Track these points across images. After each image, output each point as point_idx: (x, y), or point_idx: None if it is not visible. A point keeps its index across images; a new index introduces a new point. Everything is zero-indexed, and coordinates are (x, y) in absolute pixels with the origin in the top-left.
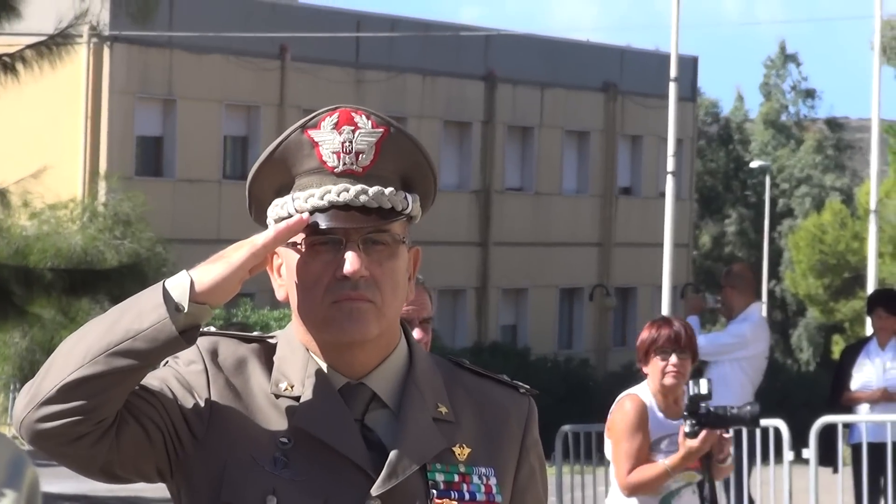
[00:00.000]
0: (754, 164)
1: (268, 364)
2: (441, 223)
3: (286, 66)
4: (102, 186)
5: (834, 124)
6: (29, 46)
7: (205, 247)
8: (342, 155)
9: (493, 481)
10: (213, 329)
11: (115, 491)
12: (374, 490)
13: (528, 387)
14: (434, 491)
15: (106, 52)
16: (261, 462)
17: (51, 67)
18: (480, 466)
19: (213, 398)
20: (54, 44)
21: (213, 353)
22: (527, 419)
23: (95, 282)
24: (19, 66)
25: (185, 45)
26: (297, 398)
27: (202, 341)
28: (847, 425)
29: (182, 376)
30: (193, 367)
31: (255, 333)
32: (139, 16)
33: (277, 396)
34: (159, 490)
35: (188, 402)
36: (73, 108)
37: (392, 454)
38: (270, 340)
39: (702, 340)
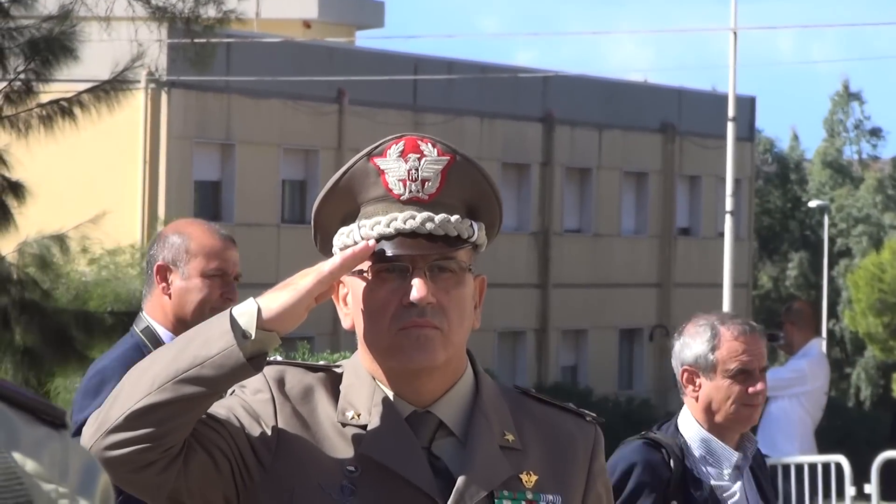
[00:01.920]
0: (812, 204)
1: (334, 393)
2: (500, 265)
3: (343, 109)
4: None
5: None
6: (86, 91)
7: (264, 291)
8: (408, 182)
9: None
10: (279, 358)
11: None
12: None
13: (594, 414)
14: None
15: (164, 97)
16: (328, 490)
17: (108, 111)
18: (548, 493)
19: (280, 426)
20: (111, 87)
21: (280, 382)
22: (594, 446)
23: None
24: (77, 110)
25: (242, 90)
26: (364, 426)
27: (269, 370)
28: None
29: (249, 405)
30: (260, 395)
31: (321, 363)
32: (197, 61)
33: (344, 425)
34: None
35: (255, 431)
36: (131, 153)
37: (460, 481)
38: (337, 370)
39: None
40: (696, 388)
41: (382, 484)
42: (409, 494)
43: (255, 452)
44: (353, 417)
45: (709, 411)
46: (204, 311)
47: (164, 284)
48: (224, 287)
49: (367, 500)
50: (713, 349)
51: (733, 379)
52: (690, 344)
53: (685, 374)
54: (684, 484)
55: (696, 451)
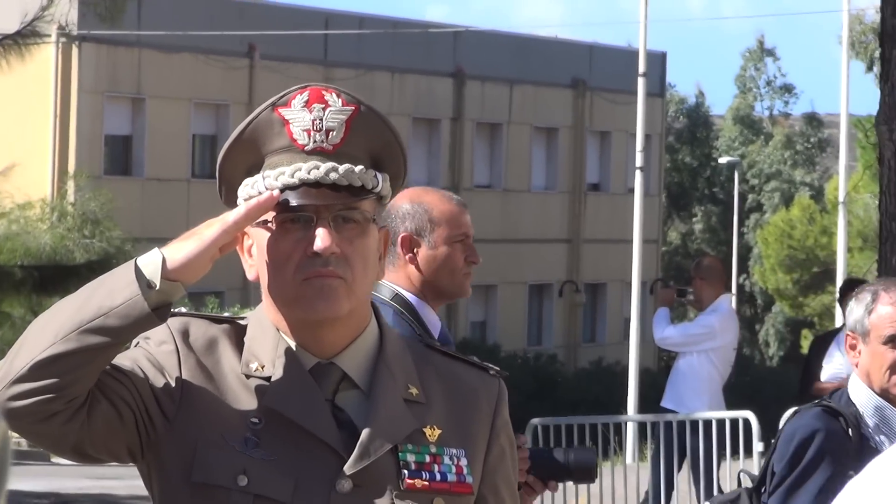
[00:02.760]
0: (723, 160)
1: (239, 345)
2: None
3: (254, 63)
4: (71, 186)
5: (813, 119)
6: None
7: None
8: (312, 133)
9: (463, 462)
10: (184, 310)
11: (84, 489)
12: (347, 469)
13: (497, 368)
14: (405, 471)
15: (74, 51)
16: (232, 442)
17: (18, 64)
18: (451, 447)
19: (184, 378)
20: (20, 38)
21: (185, 334)
22: (497, 400)
23: (65, 279)
24: None
25: (153, 44)
26: (268, 378)
27: (173, 322)
28: None
29: (153, 356)
30: (164, 347)
31: (226, 315)
32: (108, 15)
33: (248, 377)
34: (129, 488)
35: (159, 382)
36: (41, 107)
37: (364, 434)
38: (241, 322)
39: (671, 331)
40: (857, 355)
41: (286, 436)
42: (312, 446)
43: (158, 403)
44: (256, 369)
45: (867, 379)
46: (455, 277)
47: (410, 255)
48: (467, 250)
49: (270, 453)
50: (869, 314)
51: (887, 345)
52: (854, 309)
53: (848, 340)
54: (862, 454)
55: (870, 419)
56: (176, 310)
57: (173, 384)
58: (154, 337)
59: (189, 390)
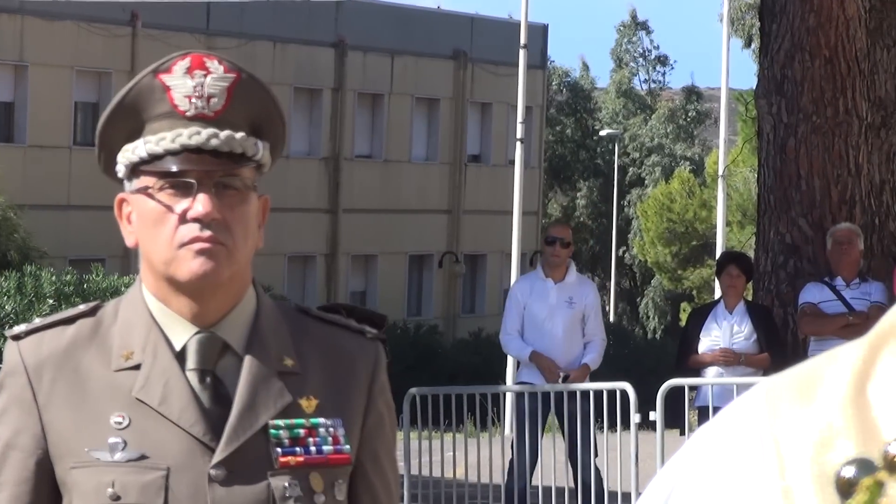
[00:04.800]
0: (604, 133)
1: (102, 338)
2: (290, 190)
3: (137, 32)
4: None
5: (692, 93)
6: None
7: (55, 212)
8: (194, 99)
9: (340, 431)
10: (32, 325)
11: None
12: (217, 456)
13: (375, 331)
14: (278, 449)
15: None
16: (97, 455)
17: None
18: (328, 418)
19: (41, 408)
20: None
21: (35, 355)
22: (374, 365)
23: None
24: None
25: (35, 11)
26: (138, 366)
27: (25, 345)
28: (694, 388)
29: (19, 406)
30: (18, 381)
31: (77, 309)
32: None
33: (118, 370)
34: None
35: (38, 442)
36: None
37: (232, 415)
38: (98, 308)
39: None
40: None
41: (155, 428)
42: (181, 436)
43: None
44: (127, 359)
45: None
46: None
47: None
48: None
49: (138, 451)
50: None
51: None
52: None
53: None
54: None
55: None
56: (20, 329)
57: (38, 426)
58: (7, 373)
59: (50, 421)
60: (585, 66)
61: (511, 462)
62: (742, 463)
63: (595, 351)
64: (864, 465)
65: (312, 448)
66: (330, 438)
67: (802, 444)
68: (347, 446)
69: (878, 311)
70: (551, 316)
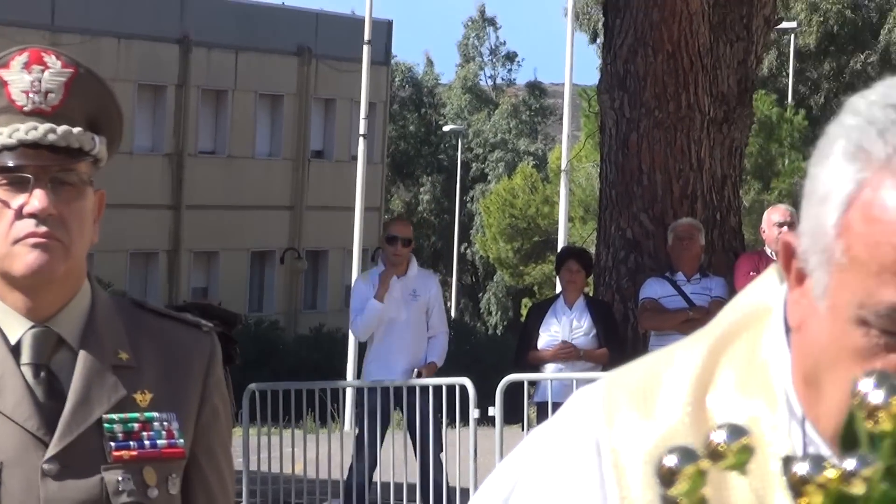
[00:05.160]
0: (447, 128)
1: None
2: (134, 186)
3: None
4: None
5: (536, 88)
6: None
7: None
8: (31, 94)
9: (175, 425)
10: None
11: None
12: (50, 450)
13: (211, 325)
14: (112, 443)
15: None
16: None
17: None
18: (162, 411)
19: None
20: None
21: None
22: (209, 358)
23: None
24: None
25: None
26: None
27: None
28: (533, 384)
29: None
30: None
31: None
32: None
33: None
34: None
35: None
36: None
37: (66, 410)
38: None
39: None
40: None
41: None
42: (11, 432)
43: None
44: None
45: None
46: None
47: None
48: None
49: None
50: None
51: None
52: None
53: None
54: None
55: None
56: None
57: None
58: None
59: None
60: (430, 62)
61: (353, 458)
62: (581, 473)
63: (441, 346)
64: (687, 455)
65: (146, 442)
66: (164, 432)
67: (641, 455)
68: (182, 440)
69: (718, 306)
70: (396, 309)
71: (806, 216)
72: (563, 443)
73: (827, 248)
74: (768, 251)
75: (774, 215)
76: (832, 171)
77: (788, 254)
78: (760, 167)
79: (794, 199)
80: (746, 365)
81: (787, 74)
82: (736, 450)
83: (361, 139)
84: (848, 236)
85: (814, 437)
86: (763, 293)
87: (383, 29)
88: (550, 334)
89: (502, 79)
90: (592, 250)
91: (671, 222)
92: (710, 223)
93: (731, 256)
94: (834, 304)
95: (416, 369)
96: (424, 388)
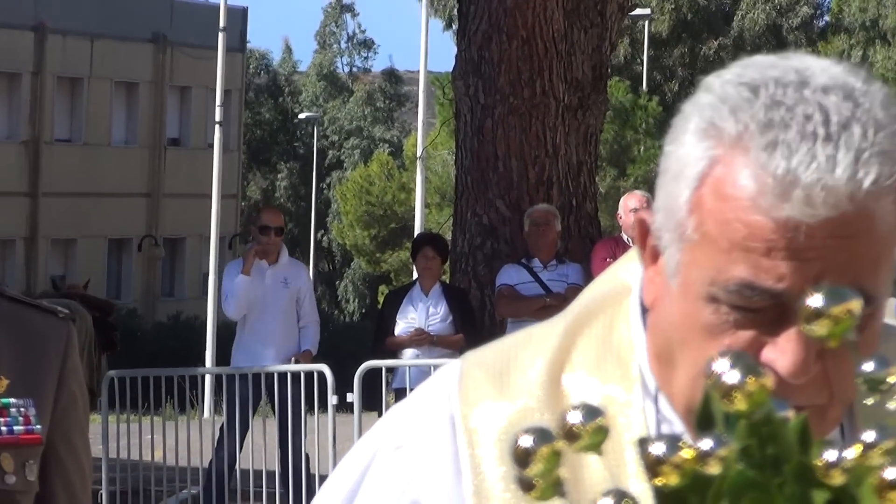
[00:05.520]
0: (303, 116)
1: None
2: None
3: None
4: None
5: (392, 76)
6: None
7: None
8: None
9: (31, 411)
10: None
11: None
12: None
13: (67, 311)
14: None
15: None
16: None
17: None
18: (18, 397)
19: None
20: None
21: None
22: (66, 345)
23: None
24: None
25: None
26: None
27: None
28: (391, 370)
29: None
30: None
31: None
32: None
33: None
34: None
35: None
36: None
37: None
38: None
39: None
40: None
41: None
42: None
43: None
44: None
45: None
46: None
47: None
48: None
49: None
50: None
51: None
52: None
53: None
54: None
55: None
56: None
57: None
58: None
59: None
60: (289, 49)
61: (215, 445)
62: (437, 448)
63: (314, 335)
64: (542, 435)
65: (3, 428)
66: (21, 418)
67: (495, 433)
68: (39, 426)
69: (574, 292)
70: (268, 297)
71: (660, 193)
72: (420, 419)
73: (679, 224)
74: (625, 237)
75: (630, 201)
76: (685, 148)
77: (643, 231)
78: (616, 154)
79: (649, 185)
80: (602, 345)
81: (642, 61)
82: (591, 430)
83: (217, 127)
84: (700, 213)
85: (668, 414)
86: (622, 274)
87: (238, 16)
88: (407, 321)
89: (358, 66)
90: (449, 237)
91: (527, 209)
92: (566, 209)
93: (588, 243)
94: (686, 281)
95: (293, 357)
96: (283, 376)
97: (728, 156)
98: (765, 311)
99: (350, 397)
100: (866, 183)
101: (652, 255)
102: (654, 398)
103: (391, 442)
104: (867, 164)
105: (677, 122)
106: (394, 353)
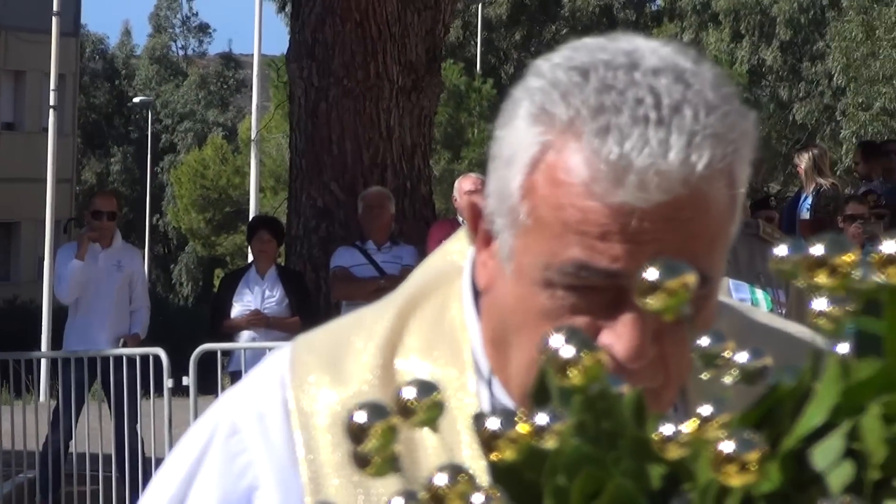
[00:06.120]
0: (137, 100)
1: None
2: None
3: None
4: None
5: (229, 60)
6: None
7: None
8: None
9: None
10: None
11: None
12: None
13: None
14: None
15: None
16: None
17: None
18: None
19: None
20: None
21: None
22: None
23: None
24: None
25: None
26: None
27: None
28: (227, 353)
29: None
30: None
31: None
32: None
33: None
34: None
35: None
36: None
37: None
38: None
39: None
40: None
41: None
42: None
43: None
44: None
45: None
46: None
47: None
48: None
49: None
50: None
51: None
52: None
53: None
54: None
55: None
56: None
57: None
58: None
59: None
60: (128, 32)
61: (49, 428)
62: (271, 434)
63: (144, 319)
64: (376, 411)
65: None
66: None
67: (329, 418)
68: None
69: (409, 274)
70: (101, 280)
71: (492, 178)
72: (253, 404)
73: (512, 210)
74: (460, 220)
75: (465, 184)
76: (517, 133)
77: (475, 215)
78: (450, 137)
79: (484, 168)
80: (435, 327)
81: (476, 44)
82: (426, 406)
83: (52, 111)
84: (532, 198)
85: (503, 399)
86: (452, 255)
87: (72, 0)
88: (243, 304)
89: (194, 50)
90: (284, 220)
91: (361, 191)
92: (400, 192)
93: (423, 225)
94: (520, 266)
95: (121, 339)
96: (119, 359)
97: (560, 141)
98: (601, 294)
99: (186, 381)
100: (699, 167)
101: (484, 240)
102: (489, 382)
103: (226, 428)
104: (699, 147)
105: (508, 107)
106: (230, 336)
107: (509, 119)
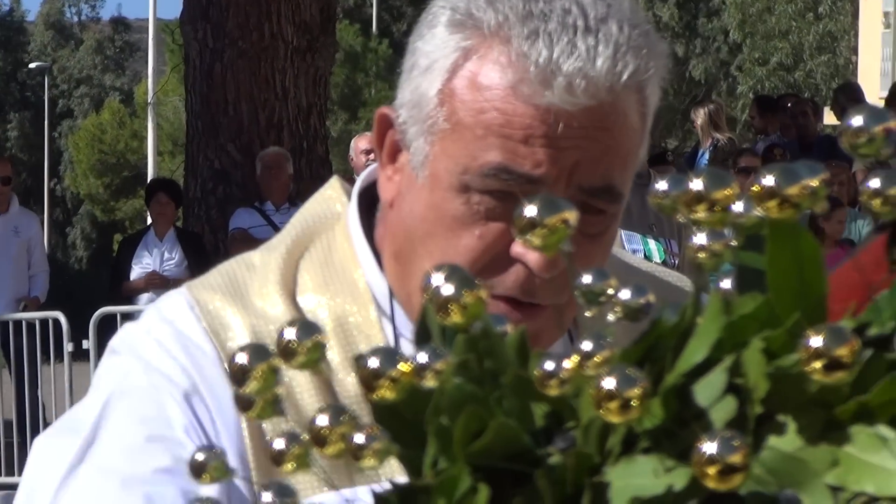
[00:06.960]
0: (33, 66)
1: None
2: None
3: None
4: None
5: (121, 24)
6: None
7: None
8: None
9: None
10: None
11: None
12: None
13: None
14: None
15: None
16: None
17: None
18: None
19: None
20: None
21: None
22: None
23: None
24: None
25: None
26: None
27: None
28: (127, 316)
29: None
30: None
31: None
32: None
33: None
34: None
35: None
36: None
37: None
38: None
39: None
40: None
41: None
42: None
43: None
44: None
45: None
46: None
47: None
48: None
49: None
50: None
51: None
52: None
53: None
54: None
55: None
56: None
57: None
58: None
59: None
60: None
61: None
62: (192, 348)
63: (43, 283)
64: (258, 352)
65: None
66: None
67: (246, 337)
68: None
69: None
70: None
71: (405, 90)
72: (167, 324)
73: (428, 116)
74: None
75: (362, 143)
76: (436, 42)
77: (384, 126)
78: (347, 97)
79: None
80: (326, 266)
81: (372, 4)
82: (307, 347)
83: None
84: (452, 103)
85: (405, 331)
86: (329, 202)
87: None
88: (142, 266)
89: (87, 15)
90: (182, 182)
91: (258, 152)
92: (297, 152)
93: (320, 185)
94: (434, 172)
95: (21, 302)
96: (18, 324)
97: (485, 46)
98: (516, 202)
99: (86, 344)
100: (625, 76)
101: (390, 154)
102: (391, 316)
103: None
104: (625, 57)
105: (425, 19)
106: (129, 298)
107: (427, 29)
